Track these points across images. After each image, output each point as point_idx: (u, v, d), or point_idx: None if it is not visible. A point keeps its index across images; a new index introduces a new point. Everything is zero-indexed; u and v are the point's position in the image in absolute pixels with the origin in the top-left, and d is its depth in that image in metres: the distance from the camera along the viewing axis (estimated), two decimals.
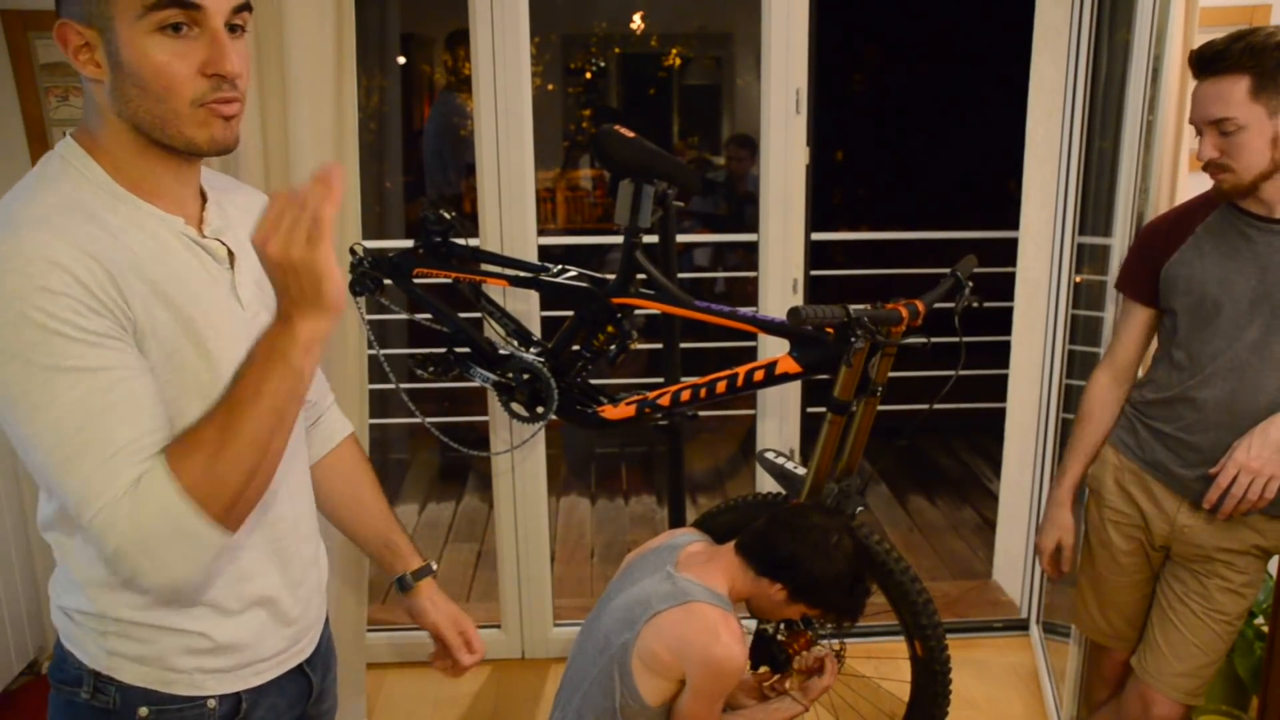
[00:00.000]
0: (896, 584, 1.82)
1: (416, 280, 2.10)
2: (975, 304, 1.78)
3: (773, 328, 1.82)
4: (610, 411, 1.98)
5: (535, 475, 2.64)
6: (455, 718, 2.53)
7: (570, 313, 2.01)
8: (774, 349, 2.39)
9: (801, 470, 1.89)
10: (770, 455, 1.99)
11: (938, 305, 1.74)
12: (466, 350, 2.14)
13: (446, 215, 2.06)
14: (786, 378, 1.78)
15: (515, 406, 2.09)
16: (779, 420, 2.68)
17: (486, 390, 2.49)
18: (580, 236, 5.39)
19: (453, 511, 3.87)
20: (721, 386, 1.85)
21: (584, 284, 1.97)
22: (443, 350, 2.15)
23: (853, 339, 1.59)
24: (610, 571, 3.46)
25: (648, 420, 2.02)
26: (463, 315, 2.16)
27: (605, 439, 4.49)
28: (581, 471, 4.29)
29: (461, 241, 2.09)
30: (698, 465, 4.33)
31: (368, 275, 2.11)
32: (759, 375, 1.80)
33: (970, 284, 1.77)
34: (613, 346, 1.96)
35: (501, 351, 2.09)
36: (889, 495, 4.00)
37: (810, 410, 2.68)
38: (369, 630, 2.50)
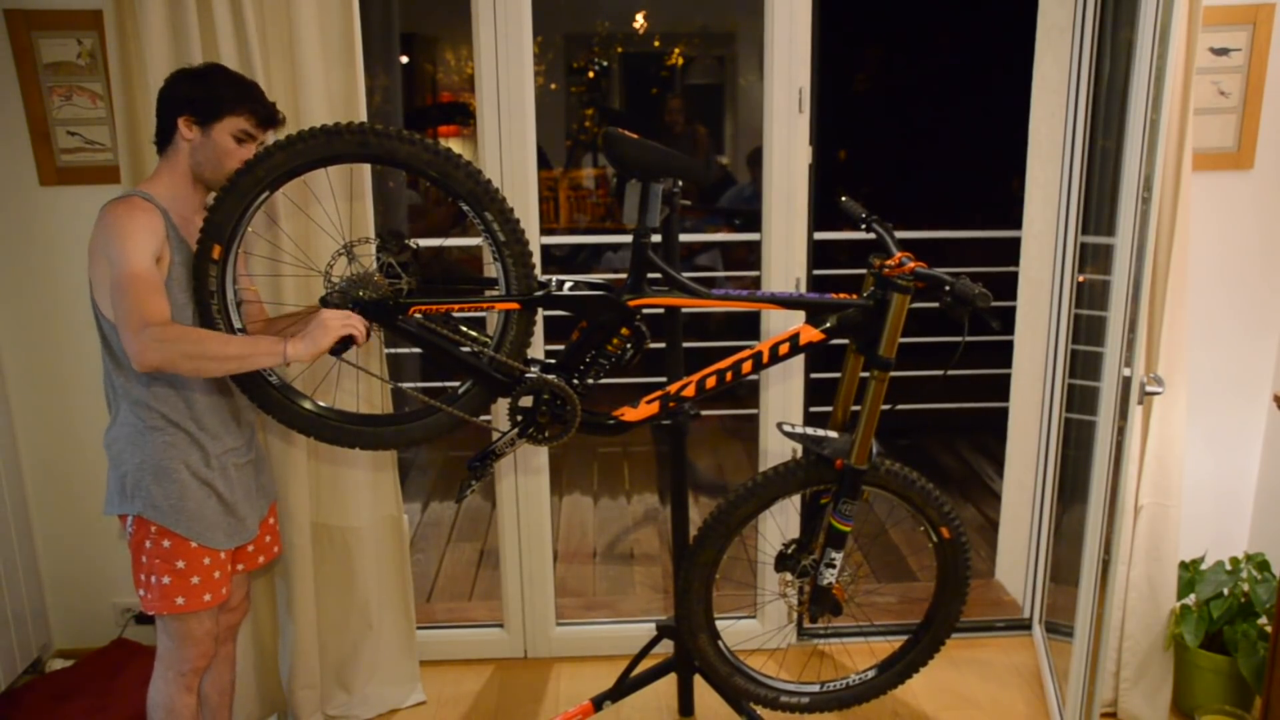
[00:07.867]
0: (920, 490, 2.06)
1: (412, 316, 1.88)
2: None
3: (792, 302, 1.90)
4: (631, 413, 1.95)
5: (538, 474, 2.65)
6: (457, 717, 2.53)
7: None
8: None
9: (823, 432, 1.96)
10: (789, 427, 1.98)
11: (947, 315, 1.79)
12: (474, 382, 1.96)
13: (410, 243, 1.84)
14: (811, 346, 1.87)
15: (535, 431, 1.96)
16: (783, 417, 2.68)
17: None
18: (582, 235, 5.39)
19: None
20: (748, 366, 1.89)
21: (598, 291, 1.90)
22: (461, 384, 1.96)
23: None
24: (613, 571, 3.48)
25: (671, 415, 2.02)
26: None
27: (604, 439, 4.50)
28: (584, 470, 4.29)
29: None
30: (700, 464, 4.33)
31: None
32: (784, 349, 1.87)
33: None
34: (629, 346, 1.93)
35: (523, 375, 1.93)
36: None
37: (813, 410, 2.68)
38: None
